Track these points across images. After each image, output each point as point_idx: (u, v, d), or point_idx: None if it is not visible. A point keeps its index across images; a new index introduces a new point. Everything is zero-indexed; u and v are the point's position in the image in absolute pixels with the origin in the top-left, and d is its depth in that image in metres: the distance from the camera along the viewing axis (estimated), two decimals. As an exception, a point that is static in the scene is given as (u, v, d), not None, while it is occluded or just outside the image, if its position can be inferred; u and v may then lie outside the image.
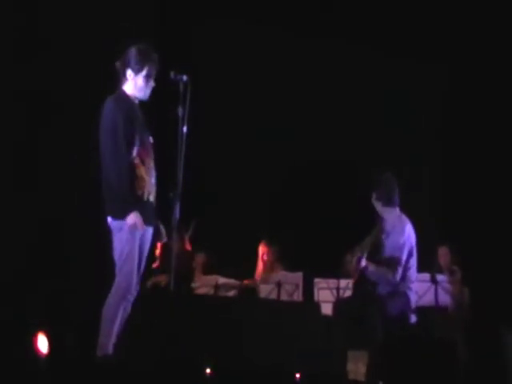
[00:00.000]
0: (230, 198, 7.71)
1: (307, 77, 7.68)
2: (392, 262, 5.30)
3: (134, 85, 4.43)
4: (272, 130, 7.69)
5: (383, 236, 5.49)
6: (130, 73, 4.42)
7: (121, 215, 4.25)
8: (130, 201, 4.24)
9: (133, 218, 4.23)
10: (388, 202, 5.48)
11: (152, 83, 4.47)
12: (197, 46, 7.49)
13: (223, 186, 7.70)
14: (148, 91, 4.48)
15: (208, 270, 7.04)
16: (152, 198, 4.40)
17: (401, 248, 5.32)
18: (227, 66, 7.63)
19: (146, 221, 4.33)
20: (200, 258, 7.19)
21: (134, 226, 4.23)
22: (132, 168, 4.29)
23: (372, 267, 5.32)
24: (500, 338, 5.23)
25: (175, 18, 7.44)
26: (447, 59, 7.50)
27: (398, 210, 5.51)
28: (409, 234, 5.39)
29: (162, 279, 6.65)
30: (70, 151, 6.54)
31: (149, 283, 6.57)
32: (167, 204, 4.38)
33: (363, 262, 5.30)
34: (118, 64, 4.47)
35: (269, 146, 7.76)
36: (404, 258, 5.32)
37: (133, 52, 4.42)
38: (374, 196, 5.51)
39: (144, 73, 4.41)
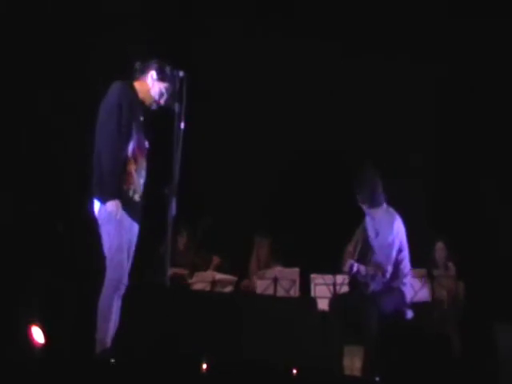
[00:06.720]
0: (226, 193, 7.72)
1: (303, 73, 7.68)
2: (381, 262, 5.30)
3: (152, 86, 4.46)
4: (267, 125, 7.70)
5: (372, 235, 5.47)
6: (154, 75, 4.46)
7: (102, 197, 4.24)
8: (115, 187, 4.22)
9: (113, 204, 4.21)
10: (373, 204, 5.43)
11: (164, 99, 4.49)
12: (193, 42, 7.50)
13: (219, 181, 7.71)
14: (159, 101, 4.49)
15: (222, 271, 6.99)
16: (138, 198, 4.38)
17: (390, 246, 5.31)
18: (223, 62, 7.63)
19: (132, 216, 4.33)
20: (215, 260, 7.22)
21: (112, 213, 4.20)
22: (124, 162, 4.28)
23: (363, 270, 5.32)
24: (494, 333, 5.25)
25: (172, 15, 7.44)
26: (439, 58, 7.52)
27: (384, 205, 5.46)
28: (397, 230, 5.37)
29: (181, 272, 6.88)
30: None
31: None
32: (163, 200, 4.38)
33: (355, 268, 5.29)
34: (138, 64, 4.51)
35: (265, 141, 7.77)
36: (393, 256, 5.32)
37: (162, 62, 4.49)
38: (358, 199, 5.45)
39: (166, 83, 4.45)
